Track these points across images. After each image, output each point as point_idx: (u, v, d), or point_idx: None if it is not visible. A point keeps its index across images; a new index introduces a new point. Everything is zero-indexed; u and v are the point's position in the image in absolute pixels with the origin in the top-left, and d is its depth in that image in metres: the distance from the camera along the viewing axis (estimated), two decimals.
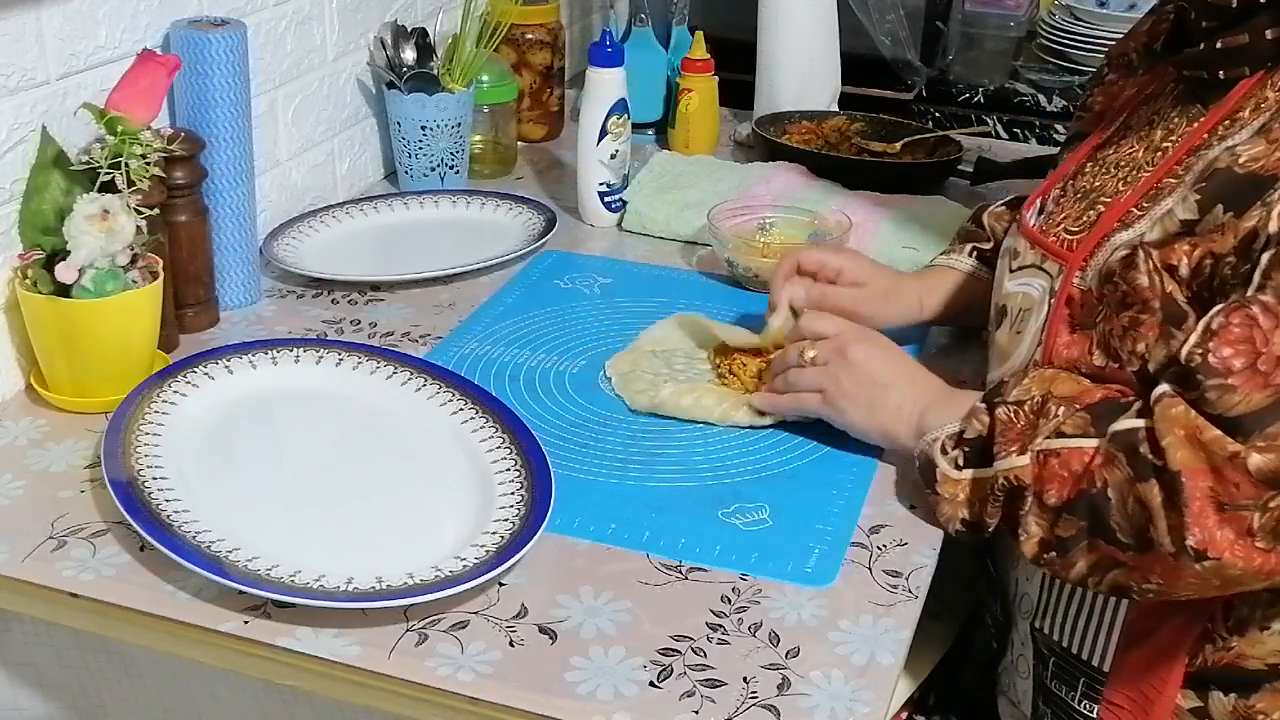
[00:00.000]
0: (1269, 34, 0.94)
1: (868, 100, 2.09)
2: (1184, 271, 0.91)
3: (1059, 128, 2.24)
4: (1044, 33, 2.44)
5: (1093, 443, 0.89)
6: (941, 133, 1.81)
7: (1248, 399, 0.82)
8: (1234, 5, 0.95)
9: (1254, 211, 0.87)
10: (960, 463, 0.97)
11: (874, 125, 1.81)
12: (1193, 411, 0.84)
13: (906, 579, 0.95)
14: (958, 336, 1.31)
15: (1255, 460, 0.81)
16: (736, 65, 1.85)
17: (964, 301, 1.26)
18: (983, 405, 0.97)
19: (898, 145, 1.75)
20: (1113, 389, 0.94)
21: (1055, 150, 2.10)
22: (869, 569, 0.96)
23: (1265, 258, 0.85)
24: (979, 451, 0.96)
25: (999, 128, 2.25)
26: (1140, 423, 0.87)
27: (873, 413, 1.05)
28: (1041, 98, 2.24)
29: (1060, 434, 0.91)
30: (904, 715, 1.20)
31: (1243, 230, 0.87)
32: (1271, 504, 0.81)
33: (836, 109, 1.90)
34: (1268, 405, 0.81)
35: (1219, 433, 0.82)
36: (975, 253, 1.28)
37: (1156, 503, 0.84)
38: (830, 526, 1.01)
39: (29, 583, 0.92)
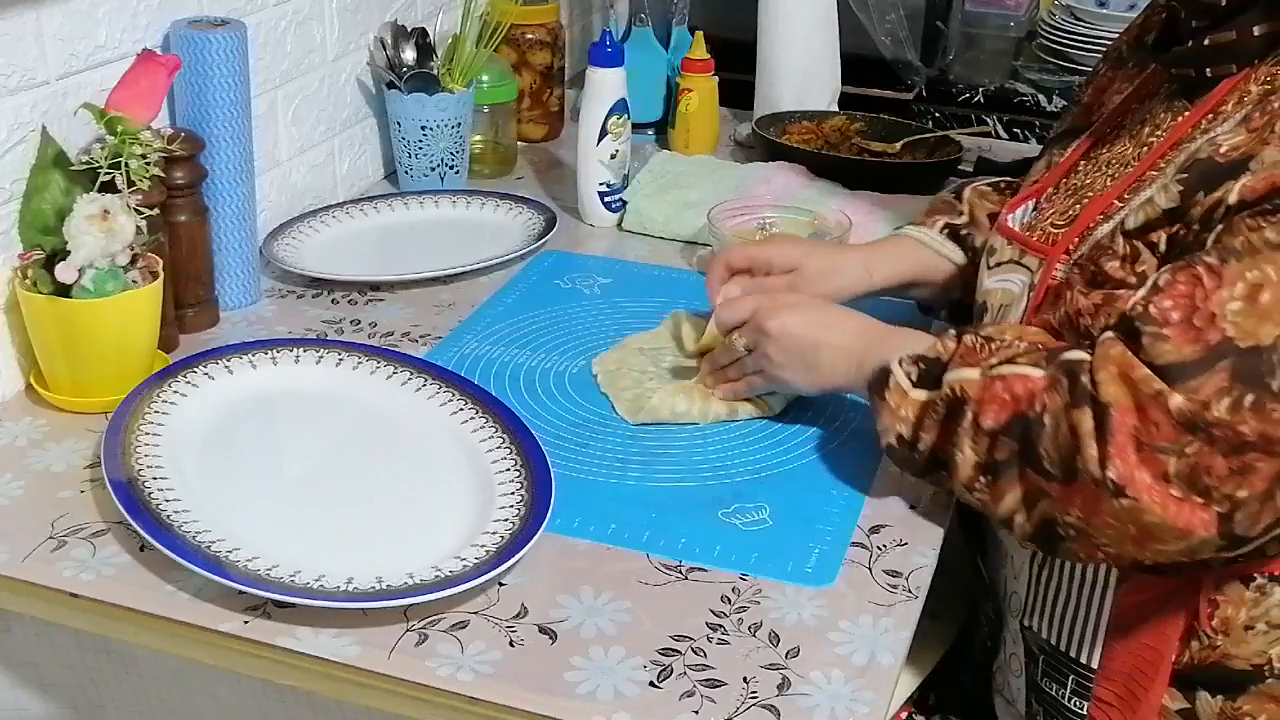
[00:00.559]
0: (1257, 30, 0.95)
1: (868, 100, 2.09)
2: (1163, 248, 0.93)
3: None
4: (1044, 33, 2.44)
5: (1040, 371, 0.91)
6: (941, 133, 1.81)
7: (1179, 349, 0.84)
8: (1223, 3, 0.95)
9: (1223, 186, 0.89)
10: (914, 378, 0.97)
11: (874, 125, 1.81)
12: (1128, 352, 0.86)
13: (906, 579, 0.95)
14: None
15: (1176, 402, 0.83)
16: (736, 65, 1.85)
17: (915, 273, 1.25)
18: (953, 332, 0.99)
19: (898, 145, 1.75)
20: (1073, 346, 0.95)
21: None
22: (869, 569, 0.96)
23: (1220, 225, 0.87)
24: (935, 375, 0.96)
25: (999, 128, 2.25)
26: (1084, 355, 0.89)
27: (811, 373, 1.07)
28: (1041, 98, 2.24)
29: (1013, 362, 0.93)
30: (904, 715, 1.20)
31: (1209, 202, 0.89)
32: (1188, 449, 0.83)
33: (836, 109, 1.90)
34: (1196, 359, 0.83)
35: (1148, 372, 0.84)
36: (946, 229, 1.27)
37: (1086, 429, 0.85)
38: (830, 526, 1.01)
39: (29, 583, 0.92)
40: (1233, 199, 0.87)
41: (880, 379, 0.99)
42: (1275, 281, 0.83)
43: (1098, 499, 0.85)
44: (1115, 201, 0.99)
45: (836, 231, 1.42)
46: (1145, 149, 1.01)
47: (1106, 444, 0.84)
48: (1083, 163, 1.09)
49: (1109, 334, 0.89)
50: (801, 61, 1.83)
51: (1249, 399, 0.82)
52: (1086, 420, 0.85)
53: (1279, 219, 0.84)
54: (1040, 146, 2.09)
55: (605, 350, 1.26)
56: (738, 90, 1.87)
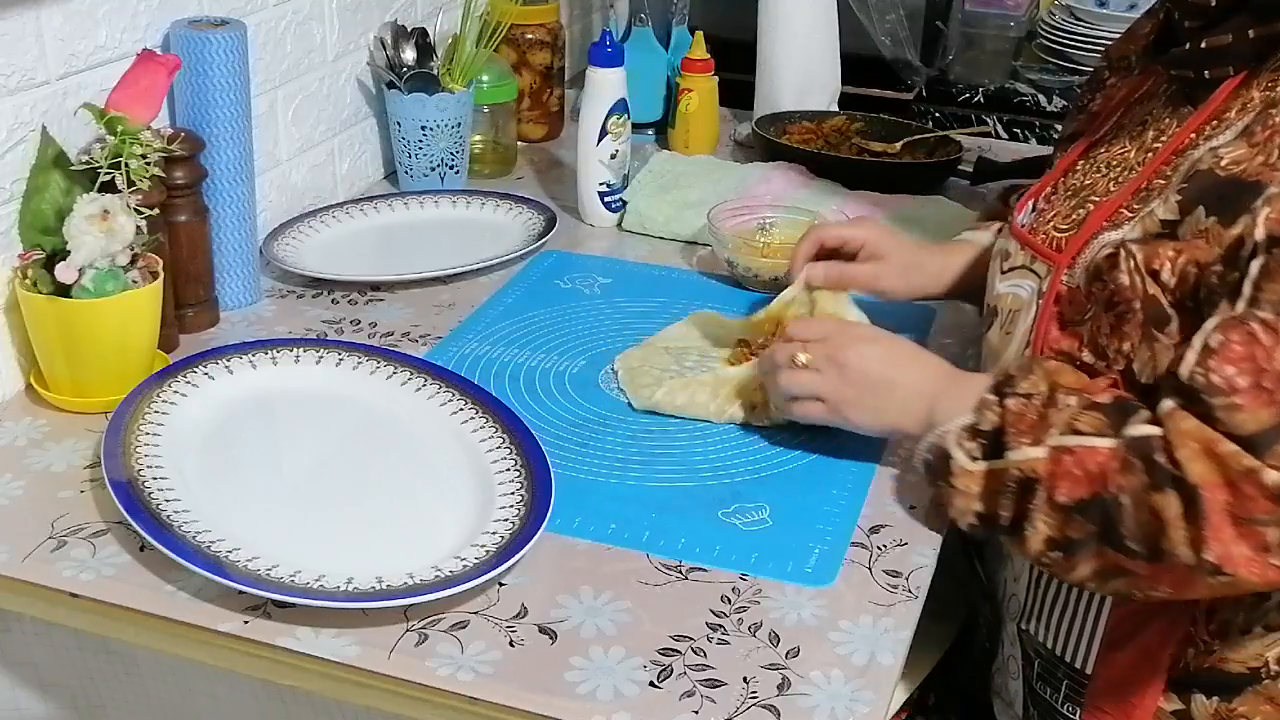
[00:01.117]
0: (1251, 33, 0.94)
1: (868, 100, 2.09)
2: (1166, 277, 0.90)
3: (1059, 128, 2.23)
4: (1044, 33, 2.44)
5: (1109, 443, 0.88)
6: (941, 133, 1.81)
7: (1255, 416, 0.81)
8: (1213, 4, 0.95)
9: (1240, 219, 0.86)
10: (976, 454, 0.94)
11: (874, 125, 1.81)
12: (1205, 426, 0.83)
13: (906, 579, 0.95)
14: (960, 334, 1.31)
15: (1272, 476, 0.80)
16: (736, 65, 1.85)
17: (982, 275, 1.22)
18: (993, 396, 0.95)
19: (898, 145, 1.75)
20: (1111, 380, 0.93)
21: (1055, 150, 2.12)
22: (869, 569, 0.96)
23: (1254, 267, 0.84)
24: (993, 443, 0.94)
25: (999, 128, 2.25)
26: (1155, 430, 0.86)
27: (879, 414, 1.03)
28: (1041, 98, 2.24)
29: (1076, 430, 0.89)
30: (904, 715, 1.20)
31: (1229, 238, 0.87)
32: None
33: (836, 109, 1.90)
34: (1276, 423, 0.81)
35: (1235, 447, 0.81)
36: (1002, 230, 1.26)
37: (1173, 513, 0.83)
38: (830, 526, 1.01)
39: (29, 583, 0.92)
40: (1260, 235, 0.84)
41: (941, 463, 0.96)
42: None
43: (1191, 578, 0.84)
44: (1122, 209, 0.97)
45: None
46: (1149, 154, 1.00)
47: (1200, 526, 0.82)
48: (1081, 162, 1.08)
49: (1173, 404, 0.85)
50: (801, 61, 1.83)
51: None
52: (1172, 503, 0.83)
53: None
54: (1040, 146, 2.10)
55: (605, 350, 1.26)
56: (738, 90, 1.87)
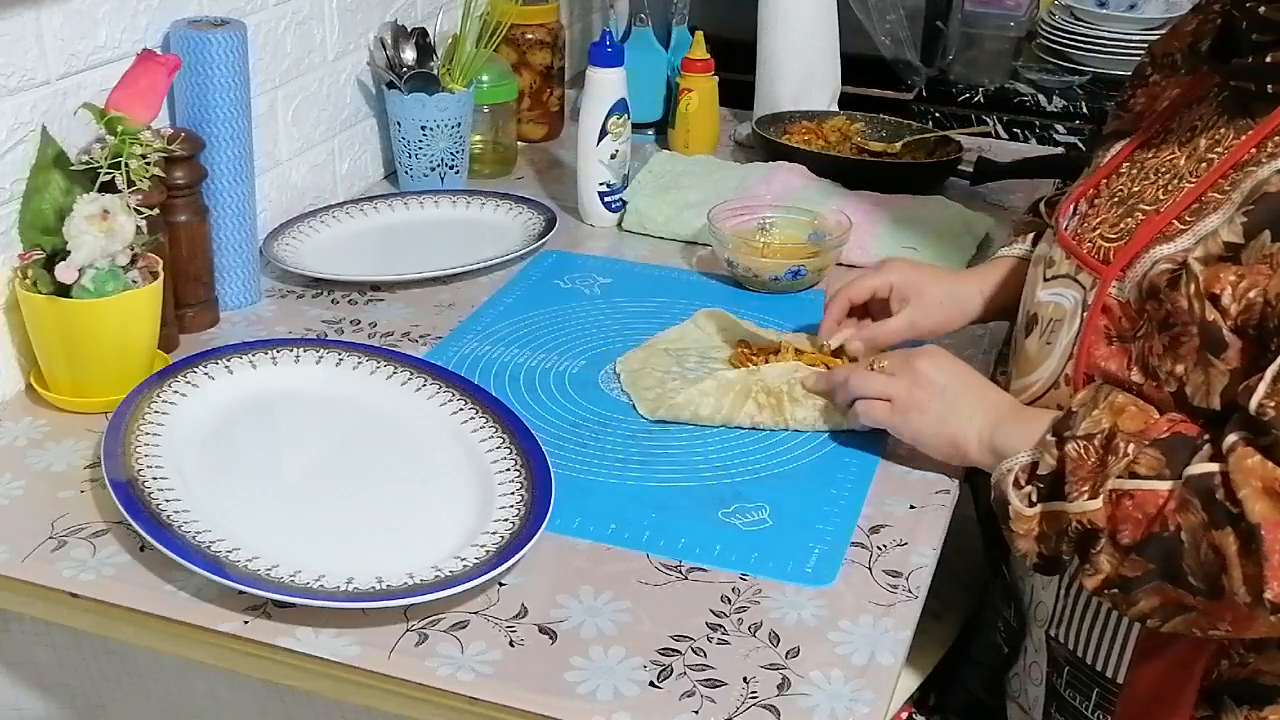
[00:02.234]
0: None
1: (868, 100, 2.09)
2: (1227, 302, 0.88)
3: (1059, 128, 2.24)
4: (1044, 33, 2.44)
5: (1166, 485, 0.87)
6: (941, 133, 1.81)
7: None
8: None
9: None
10: (1033, 499, 0.94)
11: (874, 125, 1.81)
12: (1269, 463, 0.82)
13: (906, 579, 0.95)
14: (962, 334, 1.31)
15: None
16: (736, 65, 1.85)
17: (1020, 292, 1.20)
18: (1052, 439, 0.94)
19: (898, 145, 1.75)
20: (1178, 420, 0.92)
21: (1056, 150, 2.13)
22: (869, 569, 0.96)
23: None
24: (1050, 487, 0.93)
25: (999, 128, 2.25)
26: (1215, 467, 0.85)
27: (944, 423, 1.03)
28: (1041, 98, 2.24)
29: (1133, 474, 0.89)
30: (904, 715, 1.20)
31: None
32: None
33: (836, 109, 1.89)
34: None
35: None
36: (1045, 235, 1.22)
37: (1232, 551, 0.82)
38: (830, 526, 1.01)
39: (29, 583, 0.92)
40: None
41: (1001, 507, 0.96)
42: None
43: (1252, 617, 0.83)
44: (1175, 222, 0.95)
45: (836, 231, 1.42)
46: (1203, 164, 0.97)
47: (1261, 566, 0.81)
48: (1126, 166, 1.06)
49: (1237, 438, 0.84)
50: (801, 61, 1.83)
51: None
52: (1230, 541, 0.82)
53: None
54: (1040, 146, 2.10)
55: (605, 350, 1.26)
56: (738, 90, 1.87)
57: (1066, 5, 2.43)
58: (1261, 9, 0.94)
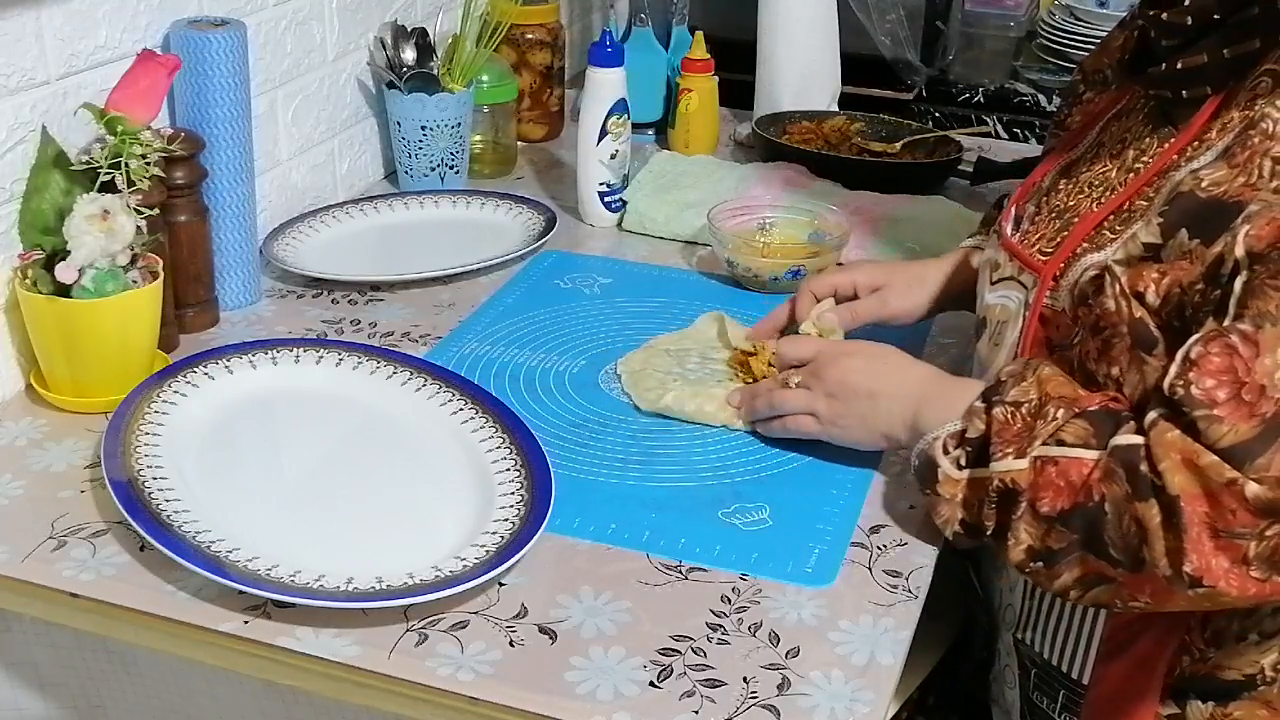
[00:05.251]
0: (1226, 53, 0.93)
1: (868, 100, 2.09)
2: (1151, 299, 0.90)
3: None
4: (1044, 33, 2.44)
5: (1092, 454, 0.88)
6: (941, 133, 1.81)
7: (1235, 429, 0.81)
8: (1189, 24, 0.94)
9: (1221, 238, 0.86)
10: (962, 462, 0.95)
11: (874, 125, 1.82)
12: (1187, 437, 0.83)
13: (906, 579, 0.95)
14: (962, 335, 1.31)
15: (1253, 489, 0.80)
16: (736, 65, 1.85)
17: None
18: (981, 404, 0.96)
19: (898, 145, 1.75)
20: (1109, 396, 0.93)
21: None
22: (869, 569, 0.96)
23: (1237, 284, 0.84)
24: (979, 451, 0.94)
25: (999, 128, 2.25)
26: (1140, 440, 0.86)
27: (868, 422, 1.04)
28: (1041, 98, 2.24)
29: (1059, 441, 0.90)
30: (904, 715, 1.20)
31: (1210, 257, 0.87)
32: (1268, 533, 0.81)
33: (836, 109, 1.90)
34: (1256, 435, 0.81)
35: (1216, 459, 0.81)
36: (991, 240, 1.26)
37: (1154, 524, 0.83)
38: (830, 526, 1.01)
39: (29, 583, 0.92)
40: (1239, 252, 0.85)
41: (928, 470, 0.97)
42: None
43: (1171, 590, 0.84)
44: (1104, 230, 0.97)
45: (836, 231, 1.42)
46: (1131, 173, 0.99)
47: (1180, 538, 0.82)
48: (1064, 183, 1.07)
49: (1157, 415, 0.85)
50: (801, 61, 1.83)
51: None
52: (1154, 514, 0.83)
53: None
54: (1040, 146, 2.09)
55: (605, 350, 1.26)
56: (738, 90, 1.87)
57: (1066, 5, 2.44)
58: (1164, 14, 0.96)
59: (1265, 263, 0.84)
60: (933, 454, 0.97)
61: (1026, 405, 0.93)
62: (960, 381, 1.04)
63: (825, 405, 1.06)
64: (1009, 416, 0.93)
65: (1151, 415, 0.86)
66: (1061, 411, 0.91)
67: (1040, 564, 0.90)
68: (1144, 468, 0.84)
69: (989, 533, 0.93)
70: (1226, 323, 0.84)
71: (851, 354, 1.09)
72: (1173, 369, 0.85)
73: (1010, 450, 0.91)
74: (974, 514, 0.94)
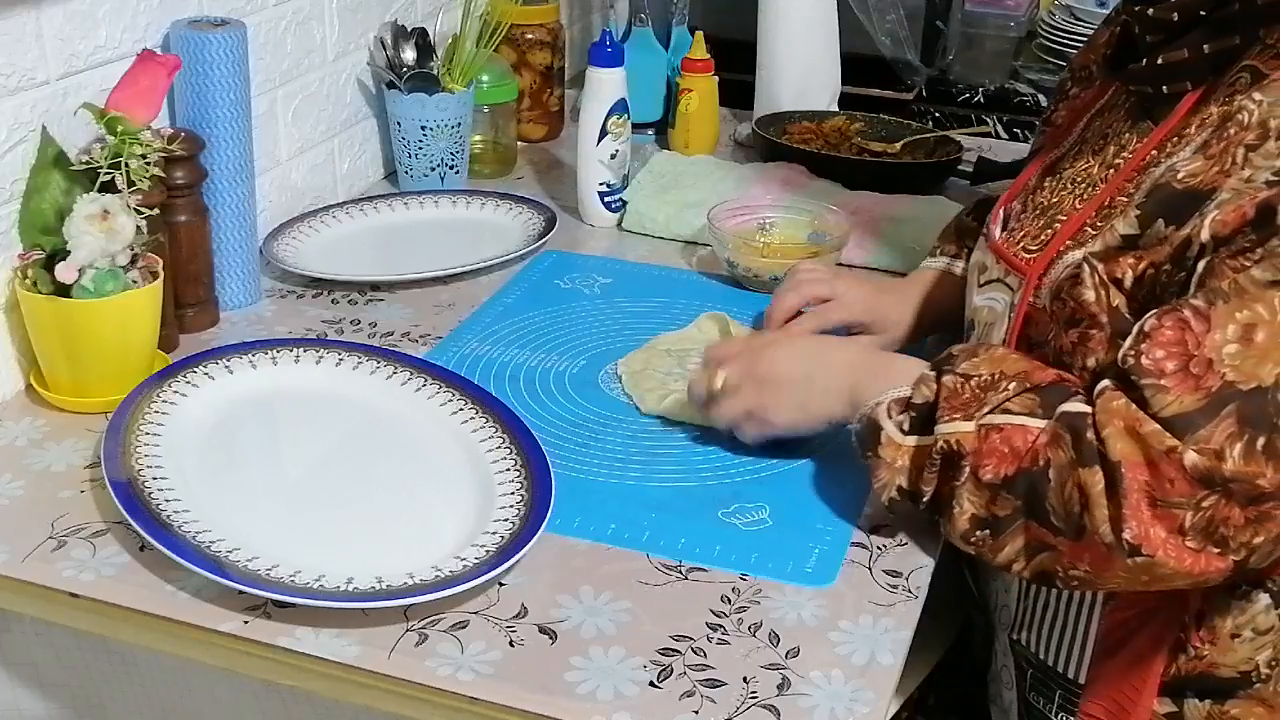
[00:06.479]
0: (1207, 48, 0.93)
1: (868, 100, 2.09)
2: (1128, 284, 0.91)
3: None
4: (1044, 33, 2.44)
5: (1038, 423, 0.89)
6: (941, 133, 1.81)
7: (1180, 400, 0.82)
8: (1174, 19, 0.94)
9: (1190, 221, 0.87)
10: (906, 427, 0.95)
11: (874, 125, 1.82)
12: (1133, 405, 0.84)
13: (906, 579, 0.95)
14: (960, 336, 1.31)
15: (1191, 458, 0.81)
16: (736, 65, 1.85)
17: (945, 303, 1.24)
18: (931, 373, 0.96)
19: (898, 145, 1.75)
20: (1066, 374, 0.93)
21: None
22: (869, 569, 0.96)
23: (1200, 266, 0.86)
24: (925, 418, 0.94)
25: (999, 128, 2.25)
26: (1086, 408, 0.87)
27: (807, 409, 1.03)
28: (1041, 98, 2.24)
29: (1006, 410, 0.90)
30: (904, 715, 1.20)
31: (1178, 239, 0.88)
32: (1204, 504, 0.82)
33: (836, 109, 1.90)
34: (1199, 408, 0.82)
35: (1157, 426, 0.82)
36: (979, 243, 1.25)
37: (1097, 490, 0.84)
38: (830, 526, 1.01)
39: (29, 583, 0.92)
40: (1205, 236, 0.86)
41: (871, 433, 0.96)
42: (1268, 319, 0.82)
43: (1110, 558, 0.84)
44: (1087, 227, 0.97)
45: (836, 231, 1.42)
46: (1112, 170, 1.00)
47: (1120, 504, 0.82)
48: (1048, 180, 1.08)
49: (1107, 384, 0.87)
50: (801, 61, 1.83)
51: (1260, 442, 0.80)
52: (1096, 479, 0.84)
53: (1260, 255, 0.83)
54: None
55: (605, 350, 1.26)
56: (738, 90, 1.87)
57: (1066, 5, 2.43)
58: (1150, 10, 0.96)
59: (1228, 245, 0.85)
60: (876, 417, 0.96)
61: (977, 379, 0.93)
62: (895, 355, 1.05)
63: (758, 401, 1.04)
64: (958, 386, 0.93)
65: (1103, 384, 0.87)
66: (1013, 385, 0.92)
67: (986, 532, 0.90)
68: (1089, 435, 0.85)
69: (925, 499, 0.93)
70: (1184, 298, 0.85)
71: (776, 344, 1.09)
72: (1129, 340, 0.86)
73: (958, 415, 0.92)
74: (914, 481, 0.94)
